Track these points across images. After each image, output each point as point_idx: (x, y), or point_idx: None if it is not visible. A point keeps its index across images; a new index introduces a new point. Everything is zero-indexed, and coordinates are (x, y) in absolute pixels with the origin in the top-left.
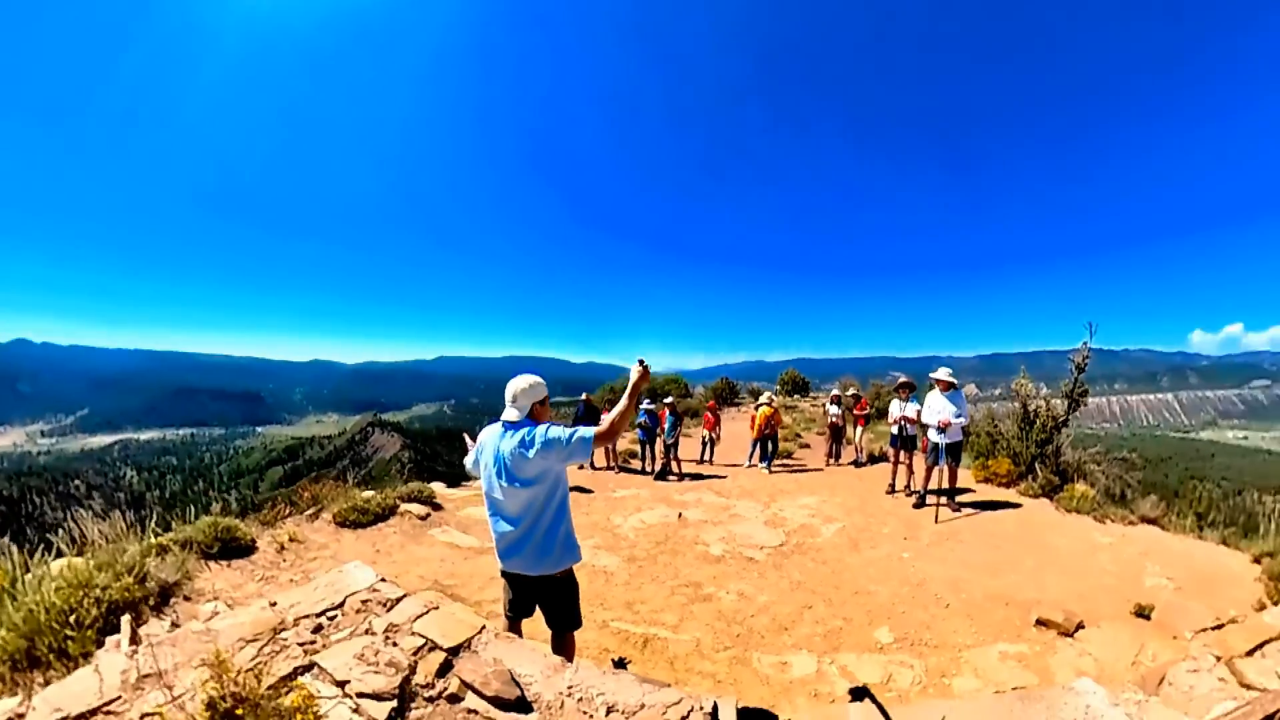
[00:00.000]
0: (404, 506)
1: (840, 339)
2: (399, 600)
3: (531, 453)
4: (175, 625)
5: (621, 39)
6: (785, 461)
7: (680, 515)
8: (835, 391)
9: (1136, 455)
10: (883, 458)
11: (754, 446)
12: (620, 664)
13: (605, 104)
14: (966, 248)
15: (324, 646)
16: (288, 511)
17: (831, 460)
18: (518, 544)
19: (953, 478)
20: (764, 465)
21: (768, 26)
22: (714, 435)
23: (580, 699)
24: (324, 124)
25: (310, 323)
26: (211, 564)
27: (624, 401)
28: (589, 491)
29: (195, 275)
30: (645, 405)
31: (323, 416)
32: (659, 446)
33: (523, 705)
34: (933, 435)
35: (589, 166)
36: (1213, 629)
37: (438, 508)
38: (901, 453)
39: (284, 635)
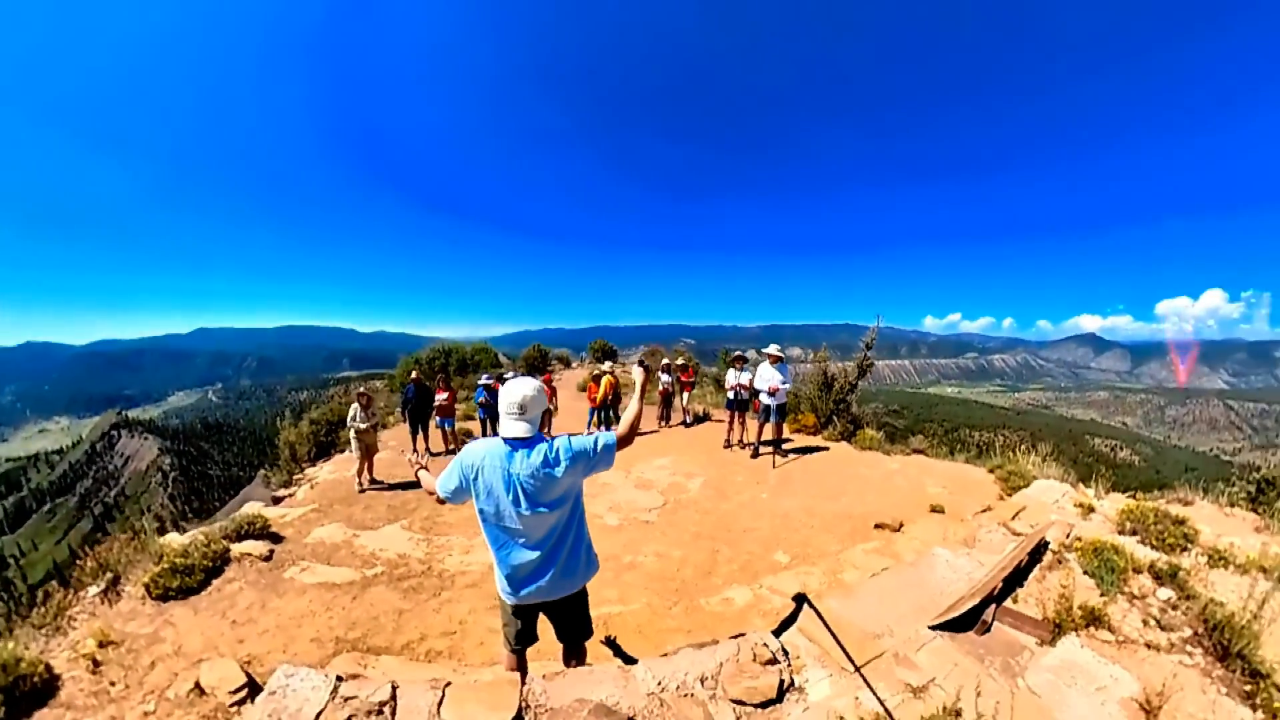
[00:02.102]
0: (237, 548)
1: (636, 308)
2: (390, 703)
3: (560, 470)
4: None
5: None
6: None
7: None
8: (665, 361)
9: (899, 407)
10: (706, 417)
11: (592, 414)
12: (611, 643)
13: (413, 64)
14: (752, 233)
15: None
16: (69, 597)
17: (663, 423)
18: (540, 570)
19: (778, 431)
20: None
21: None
22: (550, 407)
23: (675, 687)
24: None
25: (17, 293)
26: None
27: (636, 405)
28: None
29: None
30: (483, 380)
31: (47, 423)
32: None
33: None
34: (764, 399)
35: (386, 124)
36: (982, 512)
37: (278, 539)
38: (736, 414)
39: None
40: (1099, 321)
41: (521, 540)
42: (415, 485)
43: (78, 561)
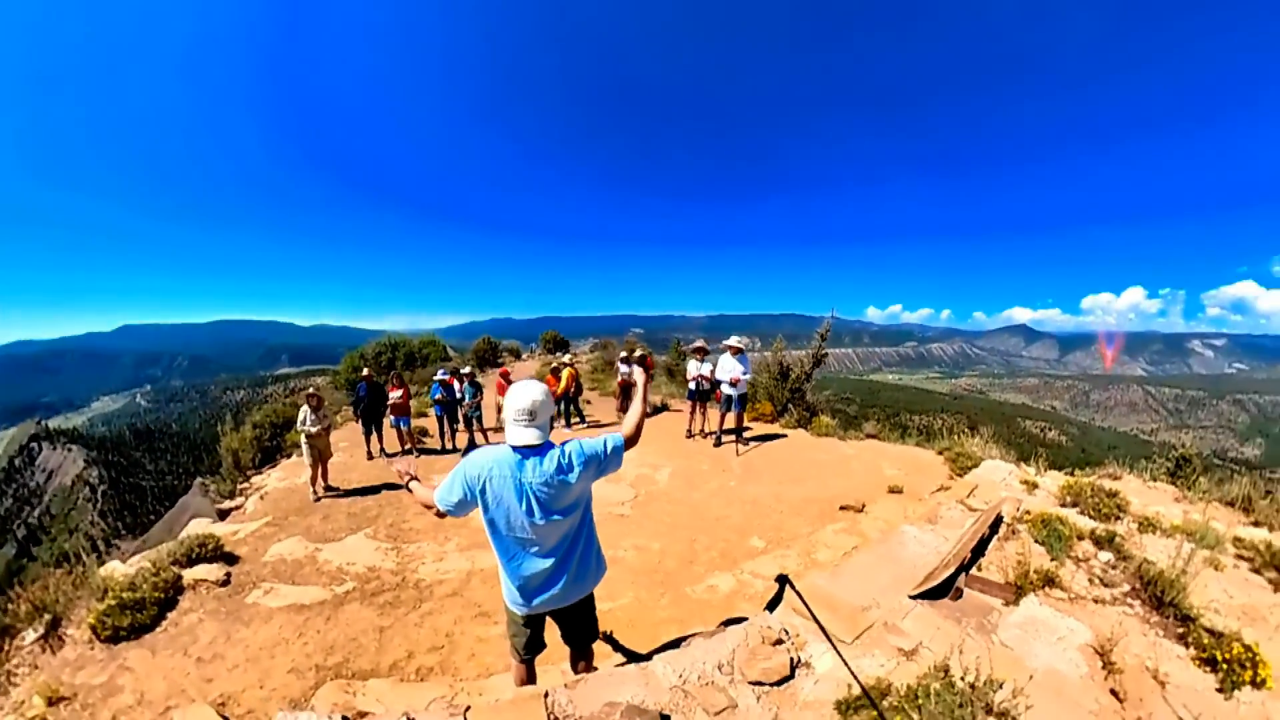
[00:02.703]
0: (190, 575)
1: (585, 299)
2: None
3: (574, 476)
4: None
5: None
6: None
7: None
8: (623, 353)
9: (847, 394)
10: (664, 408)
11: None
12: (609, 639)
13: (366, 57)
14: (701, 227)
15: None
16: (4, 647)
17: (622, 415)
18: (553, 578)
19: (739, 421)
20: (565, 426)
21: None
22: None
23: (696, 678)
24: None
25: None
26: None
27: (641, 405)
28: (399, 488)
29: None
30: (438, 376)
31: None
32: (464, 423)
33: None
34: (725, 389)
35: (327, 108)
36: (938, 491)
37: (233, 560)
38: (697, 404)
39: None
40: (1030, 314)
41: (534, 550)
42: (374, 490)
43: (9, 605)
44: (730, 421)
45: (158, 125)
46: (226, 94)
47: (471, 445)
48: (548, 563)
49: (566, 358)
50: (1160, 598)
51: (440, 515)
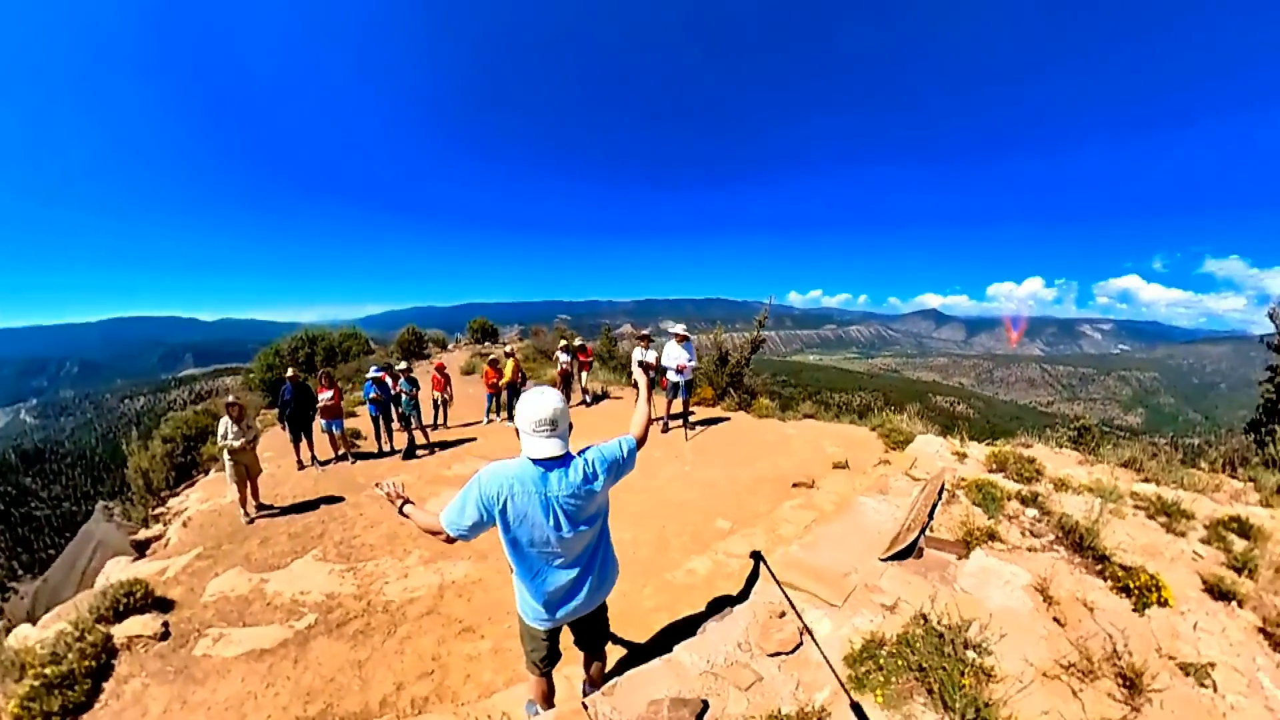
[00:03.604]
0: (120, 632)
1: (511, 285)
2: None
3: (599, 484)
4: None
5: None
6: None
7: None
8: (562, 341)
9: (785, 377)
10: (605, 395)
11: (491, 400)
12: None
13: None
14: (627, 214)
15: None
16: None
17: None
18: (577, 588)
19: (686, 406)
20: (508, 420)
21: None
22: (445, 396)
23: (722, 660)
24: None
25: None
26: None
27: (647, 406)
28: (340, 500)
29: None
30: (371, 374)
31: None
32: (402, 423)
33: (704, 707)
34: (672, 376)
35: (229, 84)
36: (879, 464)
37: (168, 605)
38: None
39: None
40: (940, 299)
41: (558, 562)
42: (313, 505)
43: None
44: (678, 407)
45: (21, 86)
46: (108, 52)
47: (411, 446)
48: (572, 573)
49: (509, 346)
50: (1080, 543)
51: (450, 540)
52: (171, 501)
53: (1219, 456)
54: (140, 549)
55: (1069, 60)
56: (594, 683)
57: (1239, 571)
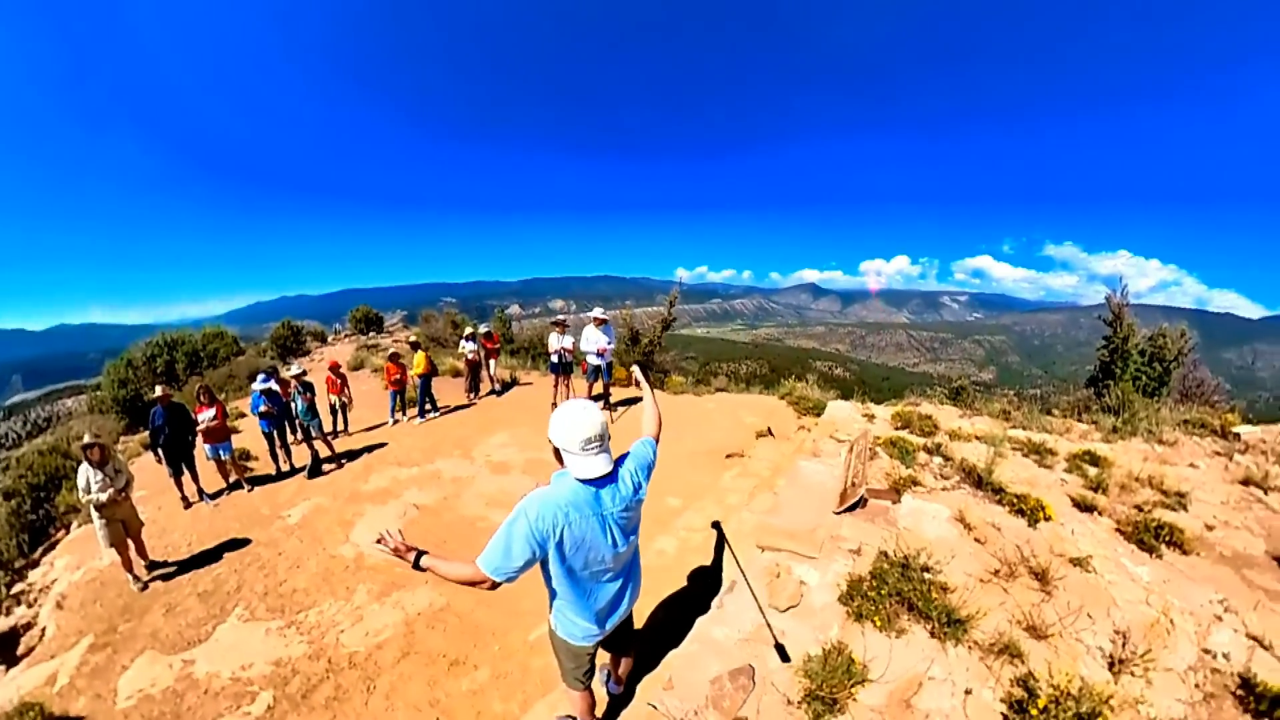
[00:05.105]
0: None
1: (390, 268)
2: None
3: (644, 491)
4: None
5: None
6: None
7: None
8: (468, 329)
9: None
10: (514, 382)
11: (394, 398)
12: None
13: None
14: (505, 190)
15: None
16: None
17: (472, 395)
18: (620, 596)
19: (606, 389)
20: (419, 417)
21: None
22: (344, 399)
23: (750, 626)
24: None
25: None
26: None
27: (656, 405)
28: (247, 541)
29: None
30: (260, 385)
31: None
32: (305, 436)
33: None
34: (592, 359)
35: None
36: (799, 430)
37: None
38: (560, 377)
39: None
40: (818, 274)
41: (607, 577)
42: (215, 553)
43: None
44: (598, 389)
45: None
46: None
47: (316, 461)
48: (618, 584)
49: (413, 337)
50: (980, 481)
51: (493, 587)
52: (32, 575)
53: (1068, 406)
54: (7, 646)
55: (936, 58)
56: (620, 681)
57: (1094, 490)
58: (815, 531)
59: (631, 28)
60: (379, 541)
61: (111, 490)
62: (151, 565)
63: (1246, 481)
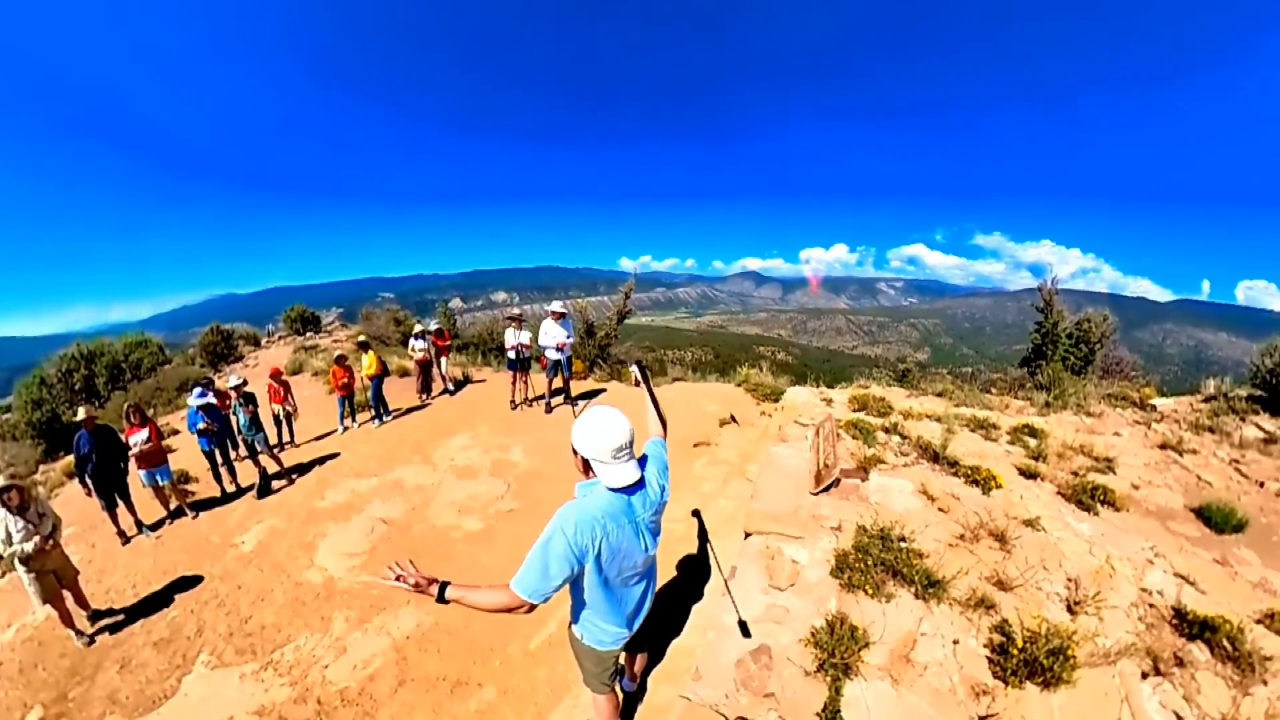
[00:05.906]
0: None
1: (322, 264)
2: None
3: (668, 492)
4: None
5: None
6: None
7: (382, 522)
8: (418, 328)
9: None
10: (467, 380)
11: (342, 404)
12: None
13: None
14: (447, 179)
15: None
16: None
17: (424, 395)
18: (644, 595)
19: (566, 383)
20: (375, 420)
21: None
22: (289, 408)
23: (762, 609)
24: None
25: None
26: None
27: (657, 405)
28: (199, 578)
29: None
30: (196, 400)
31: None
32: (250, 452)
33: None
34: (551, 354)
35: None
36: (761, 417)
37: None
38: (518, 373)
39: None
40: (760, 263)
41: (635, 579)
42: (165, 594)
43: None
44: (559, 383)
45: None
46: None
47: (265, 479)
48: (643, 585)
49: (362, 337)
50: (936, 456)
51: (529, 610)
52: None
53: (1005, 384)
54: None
55: (875, 55)
56: (634, 677)
57: (1036, 459)
58: (797, 513)
59: (570, 10)
60: (398, 579)
61: (37, 539)
62: (95, 615)
63: (1164, 446)
